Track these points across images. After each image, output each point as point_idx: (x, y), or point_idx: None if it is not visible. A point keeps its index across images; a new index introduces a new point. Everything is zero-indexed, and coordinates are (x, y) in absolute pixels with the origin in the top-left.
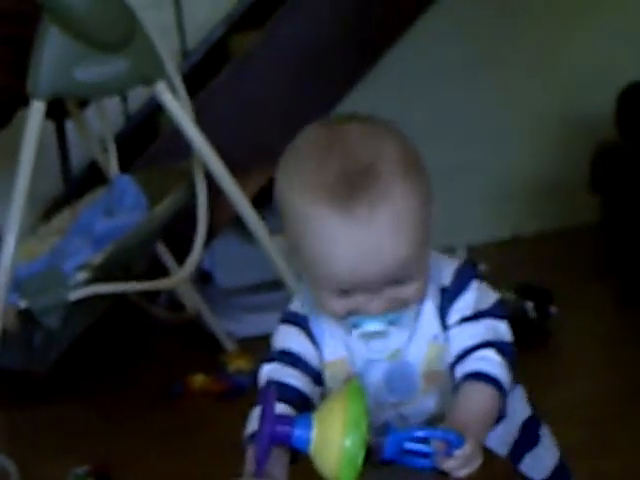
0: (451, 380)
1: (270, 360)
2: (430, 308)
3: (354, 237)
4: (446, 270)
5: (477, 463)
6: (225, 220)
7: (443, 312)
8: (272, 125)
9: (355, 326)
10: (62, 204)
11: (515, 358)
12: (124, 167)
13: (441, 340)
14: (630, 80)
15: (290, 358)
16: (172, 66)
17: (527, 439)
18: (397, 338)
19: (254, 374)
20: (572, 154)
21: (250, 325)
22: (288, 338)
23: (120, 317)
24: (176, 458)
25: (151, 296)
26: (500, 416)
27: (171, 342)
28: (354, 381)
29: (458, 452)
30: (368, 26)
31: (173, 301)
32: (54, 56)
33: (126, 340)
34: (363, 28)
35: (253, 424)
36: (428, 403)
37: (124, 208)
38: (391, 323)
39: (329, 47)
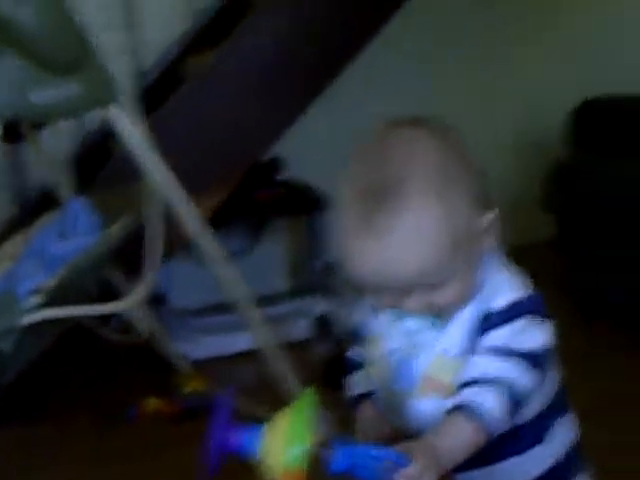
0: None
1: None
2: (460, 322)
3: (368, 249)
4: (502, 297)
5: None
6: (180, 241)
7: (478, 334)
8: (227, 146)
9: (397, 318)
10: (16, 228)
11: (519, 409)
12: (79, 189)
13: (451, 354)
14: (583, 98)
15: (355, 334)
16: (126, 88)
17: None
18: (425, 336)
19: (208, 396)
20: (526, 172)
21: (205, 346)
22: (357, 311)
23: (73, 341)
24: None
25: (104, 319)
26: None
27: (125, 365)
28: (308, 392)
29: (402, 471)
30: (323, 44)
31: (126, 323)
32: (9, 79)
33: (79, 363)
34: (320, 47)
35: (354, 389)
36: (426, 408)
37: (78, 231)
38: (429, 325)
39: (285, 66)
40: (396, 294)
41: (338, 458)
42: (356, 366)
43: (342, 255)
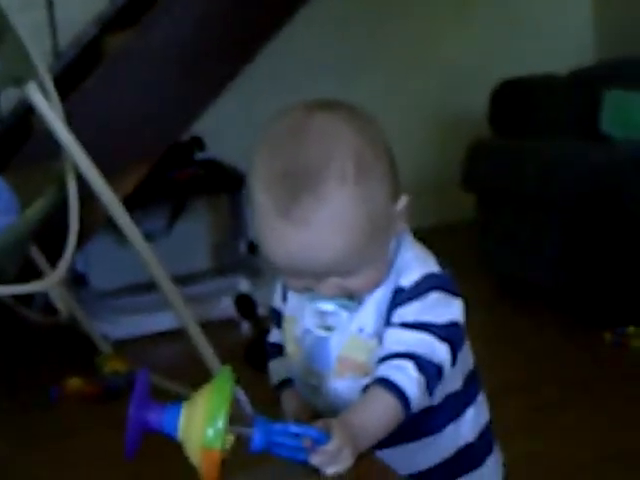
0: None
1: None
2: (373, 302)
3: (287, 235)
4: (412, 273)
5: (344, 463)
6: (98, 221)
7: (390, 311)
8: (146, 126)
9: (310, 300)
10: None
11: (437, 382)
12: None
13: (366, 335)
14: (503, 78)
15: (274, 315)
16: (43, 66)
17: (462, 463)
18: (339, 317)
19: (130, 376)
20: (447, 152)
21: (125, 327)
22: (275, 293)
23: None
24: (53, 463)
25: (25, 299)
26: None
27: (46, 345)
28: (224, 370)
29: (321, 448)
30: (240, 24)
31: (47, 304)
32: None
33: (0, 344)
34: (235, 26)
35: (275, 376)
36: (341, 388)
37: None
38: (343, 307)
39: (203, 46)
40: (311, 278)
41: (257, 436)
42: (276, 351)
43: (259, 238)
